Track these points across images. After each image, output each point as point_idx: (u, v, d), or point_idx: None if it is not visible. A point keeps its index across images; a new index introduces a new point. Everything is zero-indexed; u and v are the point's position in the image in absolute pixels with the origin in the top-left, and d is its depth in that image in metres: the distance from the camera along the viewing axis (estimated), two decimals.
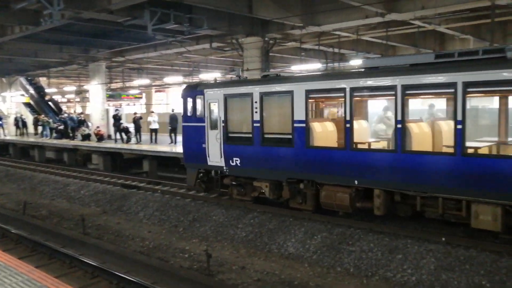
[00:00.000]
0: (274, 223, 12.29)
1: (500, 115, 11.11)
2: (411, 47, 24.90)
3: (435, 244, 10.01)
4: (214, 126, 13.81)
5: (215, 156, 13.80)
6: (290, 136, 12.07)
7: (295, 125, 11.93)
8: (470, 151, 9.64)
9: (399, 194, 10.72)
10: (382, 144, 12.16)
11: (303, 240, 11.21)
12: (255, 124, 12.75)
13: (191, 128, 14.54)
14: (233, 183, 13.84)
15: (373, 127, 13.48)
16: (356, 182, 11.04)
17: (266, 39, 21.37)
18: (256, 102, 12.67)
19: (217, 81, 15.20)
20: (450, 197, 9.84)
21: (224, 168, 13.64)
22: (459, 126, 9.46)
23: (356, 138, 11.27)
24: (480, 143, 10.46)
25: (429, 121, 12.03)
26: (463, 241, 10.01)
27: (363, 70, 11.64)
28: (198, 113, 14.31)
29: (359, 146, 11.43)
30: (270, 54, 23.00)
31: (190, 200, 15.21)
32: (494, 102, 15.07)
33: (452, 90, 9.56)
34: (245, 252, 11.32)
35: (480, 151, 9.86)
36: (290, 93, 11.99)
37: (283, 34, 21.27)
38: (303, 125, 11.81)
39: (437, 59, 10.10)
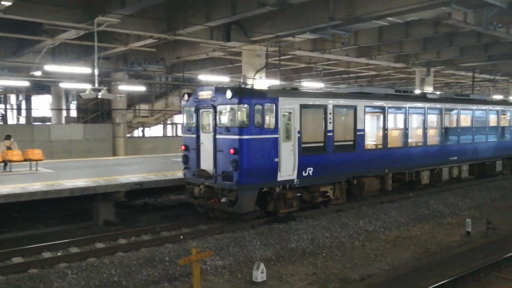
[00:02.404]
0: None
1: None
2: None
3: None
4: (288, 137, 13.52)
5: (287, 169, 13.46)
6: (352, 143, 15.47)
7: (358, 133, 15.49)
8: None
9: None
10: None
11: None
12: (328, 134, 14.61)
13: (258, 141, 12.84)
14: (298, 195, 14.25)
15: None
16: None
17: None
18: (330, 113, 14.62)
19: (288, 88, 14.94)
20: None
21: (295, 180, 13.68)
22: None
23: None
24: None
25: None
26: None
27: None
28: (268, 123, 13.07)
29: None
30: None
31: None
32: None
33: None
34: None
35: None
36: (353, 107, 15.52)
37: None
38: (362, 133, 15.68)
39: None
